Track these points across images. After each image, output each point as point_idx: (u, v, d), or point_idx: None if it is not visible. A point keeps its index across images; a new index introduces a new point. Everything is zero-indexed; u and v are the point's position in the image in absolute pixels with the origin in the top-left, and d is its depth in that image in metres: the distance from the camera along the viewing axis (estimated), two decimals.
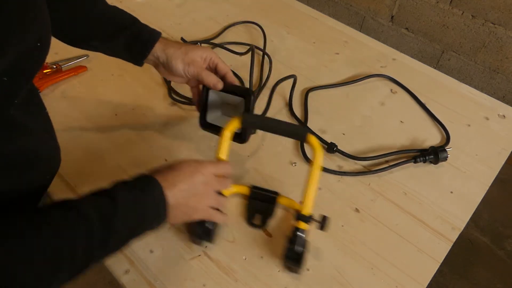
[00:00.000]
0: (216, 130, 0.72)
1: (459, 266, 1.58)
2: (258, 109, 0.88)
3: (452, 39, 1.83)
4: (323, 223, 0.60)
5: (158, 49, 0.67)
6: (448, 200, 0.75)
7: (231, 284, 0.60)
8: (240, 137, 0.69)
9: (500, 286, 1.55)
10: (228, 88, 0.69)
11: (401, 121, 0.89)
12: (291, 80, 0.96)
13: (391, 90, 0.97)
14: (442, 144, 0.85)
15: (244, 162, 0.77)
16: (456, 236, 0.69)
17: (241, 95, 0.69)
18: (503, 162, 0.83)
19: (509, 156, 0.85)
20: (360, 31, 1.37)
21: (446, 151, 0.78)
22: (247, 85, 0.92)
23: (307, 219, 0.60)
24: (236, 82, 0.72)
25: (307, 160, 0.78)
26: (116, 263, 0.61)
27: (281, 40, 1.08)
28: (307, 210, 0.60)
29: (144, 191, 0.49)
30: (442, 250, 0.67)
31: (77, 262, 0.43)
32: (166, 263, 0.62)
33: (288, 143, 0.82)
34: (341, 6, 2.12)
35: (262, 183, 0.74)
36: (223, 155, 0.63)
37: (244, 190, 0.69)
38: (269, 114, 0.87)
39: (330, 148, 0.79)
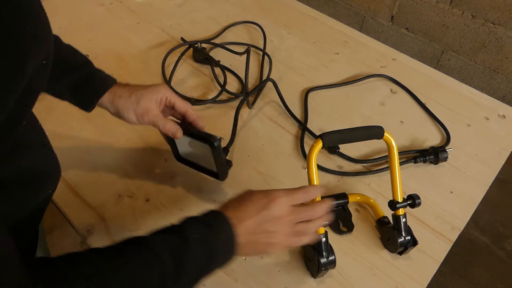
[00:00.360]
0: (192, 165, 0.69)
1: (459, 266, 1.58)
2: (258, 109, 0.88)
3: (452, 39, 1.82)
4: (413, 201, 0.64)
5: (106, 101, 0.63)
6: (448, 200, 0.75)
7: (231, 284, 0.60)
8: (217, 175, 0.67)
9: (500, 286, 1.55)
10: (192, 133, 0.63)
11: (401, 121, 0.89)
12: (290, 81, 0.96)
13: (391, 90, 0.97)
14: (442, 144, 0.85)
15: (244, 162, 0.77)
16: (456, 236, 0.69)
17: (206, 143, 0.62)
18: (503, 162, 0.83)
19: (509, 156, 0.85)
20: (360, 31, 1.37)
21: (446, 151, 0.78)
22: (247, 83, 0.92)
23: (402, 205, 0.64)
24: (198, 121, 0.66)
25: (306, 158, 0.78)
26: None
27: (281, 40, 1.08)
28: (400, 198, 0.64)
29: (213, 230, 0.48)
30: (442, 250, 0.67)
31: None
32: None
33: (287, 143, 0.82)
34: (341, 6, 2.12)
35: (262, 183, 0.74)
36: (315, 181, 0.59)
37: None
38: (264, 116, 0.87)
39: (332, 149, 0.79)
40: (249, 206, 0.51)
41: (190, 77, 0.95)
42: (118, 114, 0.64)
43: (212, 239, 0.47)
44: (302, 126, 0.85)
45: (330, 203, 0.55)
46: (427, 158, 0.79)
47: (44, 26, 0.40)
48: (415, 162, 0.79)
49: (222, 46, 1.02)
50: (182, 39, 1.03)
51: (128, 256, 0.42)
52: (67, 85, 0.62)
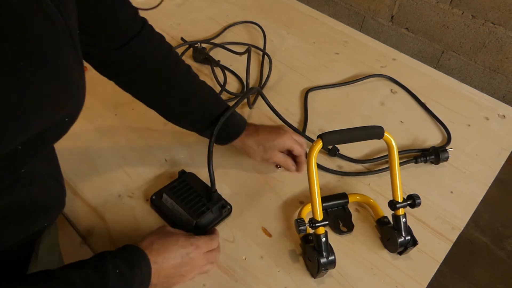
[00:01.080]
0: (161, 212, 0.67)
1: (459, 266, 1.58)
2: (258, 108, 0.88)
3: (452, 39, 1.82)
4: (413, 201, 0.64)
5: (237, 146, 0.72)
6: (448, 200, 0.75)
7: (231, 284, 0.60)
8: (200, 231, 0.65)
9: (500, 286, 1.55)
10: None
11: (401, 121, 0.89)
12: (290, 81, 0.96)
13: (391, 90, 0.97)
14: (442, 144, 0.85)
15: (244, 162, 0.77)
16: (456, 236, 0.69)
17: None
18: (503, 162, 0.83)
19: (509, 156, 0.85)
20: (360, 31, 1.37)
21: (447, 151, 0.78)
22: (248, 83, 0.92)
23: (402, 205, 0.64)
24: (301, 166, 0.74)
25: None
26: None
27: (281, 40, 1.08)
28: (400, 198, 0.64)
29: (133, 268, 0.49)
30: (442, 250, 0.67)
31: None
32: None
33: None
34: (341, 6, 2.12)
35: (262, 183, 0.74)
36: (315, 181, 0.59)
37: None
38: (264, 116, 0.87)
39: (332, 152, 0.79)
40: (172, 252, 0.54)
41: None
42: (245, 153, 0.73)
43: (130, 277, 0.48)
44: (301, 133, 0.85)
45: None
46: (427, 158, 0.79)
47: (72, 89, 0.40)
48: (416, 162, 0.79)
49: (222, 46, 1.02)
50: (182, 39, 1.03)
51: None
52: (207, 133, 0.70)
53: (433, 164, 0.80)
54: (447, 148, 0.79)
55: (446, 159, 0.79)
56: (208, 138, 0.67)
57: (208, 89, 0.71)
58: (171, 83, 0.67)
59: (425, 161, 0.79)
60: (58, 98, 0.37)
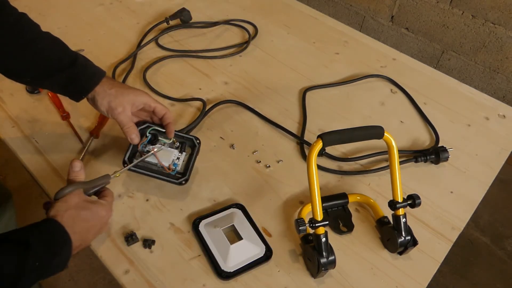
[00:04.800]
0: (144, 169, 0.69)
1: (459, 266, 1.58)
2: (258, 108, 0.88)
3: (452, 39, 1.82)
4: (413, 202, 0.64)
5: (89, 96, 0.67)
6: (448, 200, 0.75)
7: (231, 284, 0.60)
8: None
9: (500, 286, 1.54)
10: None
11: (401, 121, 0.89)
12: (290, 81, 0.96)
13: (391, 90, 0.97)
14: (432, 145, 0.84)
15: (244, 162, 0.77)
16: (456, 236, 0.69)
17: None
18: (503, 162, 0.83)
19: (509, 156, 0.85)
20: (360, 31, 1.37)
21: (447, 151, 0.78)
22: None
23: (402, 205, 0.64)
24: (170, 125, 0.70)
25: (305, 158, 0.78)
26: (116, 263, 0.61)
27: (281, 40, 1.08)
28: (400, 198, 0.64)
29: (53, 254, 0.51)
30: (442, 250, 0.67)
31: None
32: (166, 263, 0.62)
33: (287, 143, 0.82)
34: (341, 6, 2.12)
35: (262, 183, 0.74)
36: (315, 181, 0.59)
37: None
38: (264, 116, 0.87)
39: (319, 152, 0.78)
40: (88, 220, 0.57)
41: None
42: (92, 99, 0.67)
43: (48, 266, 0.51)
44: (299, 139, 0.85)
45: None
46: (428, 158, 0.79)
47: None
48: (416, 161, 0.79)
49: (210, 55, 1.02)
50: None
51: None
52: (55, 84, 0.66)
53: (433, 164, 0.80)
54: (447, 148, 0.79)
55: (446, 159, 0.79)
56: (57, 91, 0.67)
57: (52, 38, 0.67)
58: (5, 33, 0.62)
59: (425, 161, 0.79)
60: None
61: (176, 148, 0.72)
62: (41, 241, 0.50)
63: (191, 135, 0.73)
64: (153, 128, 0.70)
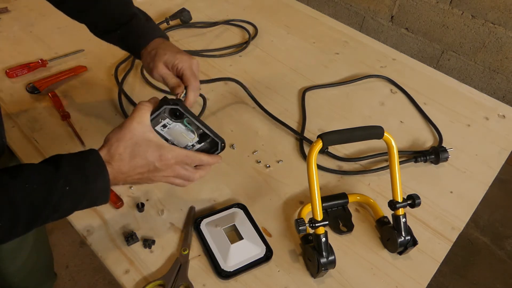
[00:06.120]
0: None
1: (459, 266, 1.58)
2: (258, 108, 0.88)
3: (452, 39, 1.82)
4: (413, 201, 0.64)
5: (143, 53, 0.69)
6: (448, 200, 0.75)
7: (231, 284, 0.60)
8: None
9: (500, 286, 1.55)
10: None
11: (401, 121, 0.89)
12: (290, 81, 0.96)
13: (391, 90, 0.97)
14: (432, 145, 0.84)
15: (244, 162, 0.77)
16: (456, 236, 0.69)
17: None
18: (503, 162, 0.83)
19: (509, 156, 0.85)
20: (360, 31, 1.37)
21: (447, 151, 0.78)
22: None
23: (402, 205, 0.64)
24: (190, 94, 0.64)
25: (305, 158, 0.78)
26: (116, 263, 0.61)
27: (281, 40, 1.08)
28: (400, 198, 0.64)
29: (87, 180, 0.50)
30: (442, 250, 0.67)
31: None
32: (166, 263, 0.62)
33: (287, 142, 0.82)
34: (341, 6, 2.12)
35: (262, 183, 0.74)
36: (315, 181, 0.59)
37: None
38: (264, 116, 0.87)
39: (321, 149, 0.79)
40: (139, 162, 0.53)
41: None
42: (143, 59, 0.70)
43: (82, 192, 0.49)
44: (299, 135, 0.85)
45: (217, 159, 0.61)
46: (427, 158, 0.79)
47: None
48: (416, 161, 0.79)
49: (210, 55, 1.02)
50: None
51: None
52: (115, 38, 0.72)
53: (432, 164, 0.80)
54: (447, 148, 0.79)
55: (446, 159, 0.79)
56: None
57: None
58: None
59: (425, 161, 0.79)
60: None
61: (198, 136, 0.60)
62: (72, 165, 0.49)
63: (219, 137, 0.61)
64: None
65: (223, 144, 0.61)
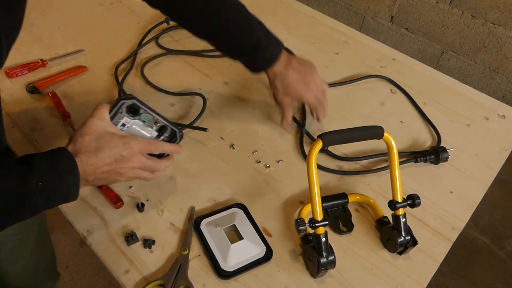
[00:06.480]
0: None
1: (459, 266, 1.58)
2: (258, 108, 0.88)
3: (452, 39, 1.83)
4: (413, 201, 0.64)
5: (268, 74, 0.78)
6: (448, 200, 0.75)
7: (231, 284, 0.60)
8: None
9: (500, 286, 1.55)
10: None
11: (401, 121, 0.89)
12: None
13: (391, 90, 0.97)
14: (432, 145, 0.84)
15: (244, 162, 0.77)
16: (456, 236, 0.69)
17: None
18: (503, 162, 0.83)
19: (509, 156, 0.85)
20: (360, 31, 1.37)
21: (447, 151, 0.78)
22: None
23: (402, 205, 0.64)
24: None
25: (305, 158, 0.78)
26: (116, 263, 0.61)
27: (281, 40, 1.08)
28: (400, 198, 0.64)
29: (59, 175, 0.51)
30: (442, 250, 0.67)
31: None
32: (166, 263, 0.62)
33: (287, 142, 0.82)
34: (341, 6, 2.12)
35: (262, 183, 0.74)
36: (315, 181, 0.59)
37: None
38: (264, 116, 0.87)
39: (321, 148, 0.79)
40: (105, 151, 0.55)
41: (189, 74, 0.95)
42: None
43: (54, 187, 0.51)
44: (300, 127, 0.85)
45: (178, 148, 0.64)
46: (427, 158, 0.79)
47: None
48: (416, 161, 0.79)
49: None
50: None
51: None
52: (238, 60, 0.78)
53: (432, 164, 0.80)
54: (447, 148, 0.79)
55: (446, 159, 0.79)
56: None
57: (244, 21, 0.75)
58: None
59: (425, 161, 0.79)
60: None
61: (156, 130, 0.64)
62: (44, 162, 0.50)
63: (176, 126, 0.65)
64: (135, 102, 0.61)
65: (181, 133, 0.66)
